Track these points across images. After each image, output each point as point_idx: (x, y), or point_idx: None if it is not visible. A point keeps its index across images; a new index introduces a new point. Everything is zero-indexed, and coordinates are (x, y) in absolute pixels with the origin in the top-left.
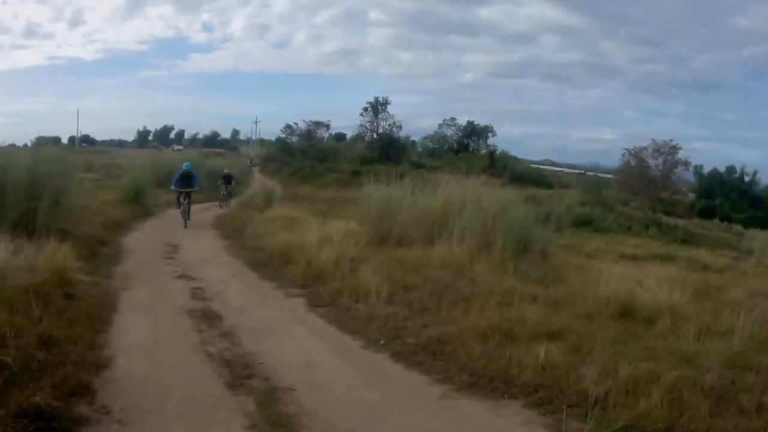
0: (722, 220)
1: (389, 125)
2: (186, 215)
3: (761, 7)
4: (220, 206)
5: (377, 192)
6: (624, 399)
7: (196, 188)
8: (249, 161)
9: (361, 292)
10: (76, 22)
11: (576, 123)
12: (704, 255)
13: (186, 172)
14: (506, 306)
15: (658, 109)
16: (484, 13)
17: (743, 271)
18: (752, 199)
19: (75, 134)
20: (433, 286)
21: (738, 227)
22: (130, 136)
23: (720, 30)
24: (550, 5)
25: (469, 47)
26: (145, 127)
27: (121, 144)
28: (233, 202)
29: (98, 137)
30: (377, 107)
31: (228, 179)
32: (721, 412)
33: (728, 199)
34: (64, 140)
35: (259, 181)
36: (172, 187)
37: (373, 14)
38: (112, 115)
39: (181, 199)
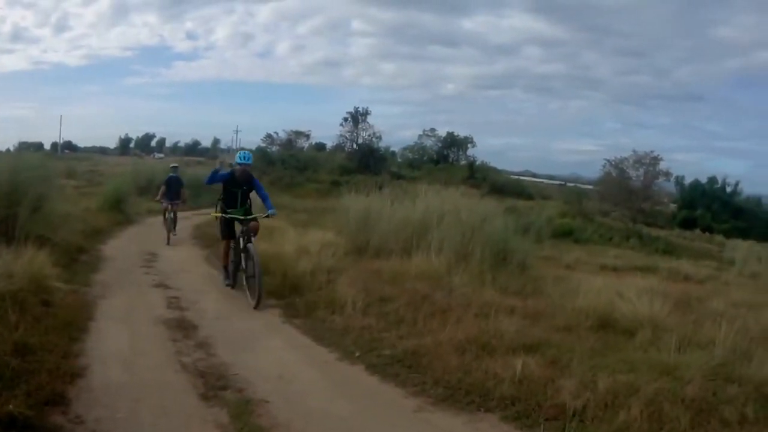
0: (703, 230)
1: (369, 135)
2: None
3: (745, 19)
4: (167, 234)
5: (356, 202)
6: (603, 412)
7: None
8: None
9: (337, 304)
10: (61, 27)
11: (558, 134)
12: (685, 266)
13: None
14: (484, 318)
15: (640, 121)
16: (467, 24)
17: (725, 281)
18: (734, 210)
19: (58, 140)
20: (410, 297)
21: (720, 237)
22: (112, 143)
23: (704, 41)
24: (533, 17)
25: (452, 58)
26: (126, 134)
27: (103, 151)
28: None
29: (81, 144)
30: (357, 117)
31: (175, 185)
32: (703, 424)
33: (710, 210)
34: (47, 146)
35: None
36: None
37: (356, 25)
38: (95, 122)
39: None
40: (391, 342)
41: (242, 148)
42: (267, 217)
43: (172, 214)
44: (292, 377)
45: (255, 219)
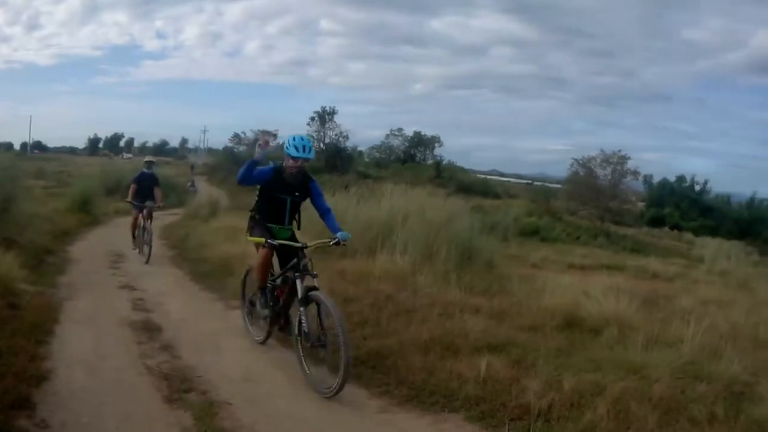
0: (672, 228)
1: (336, 135)
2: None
3: (714, 22)
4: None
5: None
6: (568, 411)
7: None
8: (192, 170)
9: None
10: (32, 26)
11: (526, 134)
12: (654, 263)
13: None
14: (448, 318)
15: (608, 120)
16: (436, 24)
17: (694, 279)
18: (703, 208)
19: (27, 140)
20: (375, 298)
21: (689, 235)
22: (82, 144)
23: (673, 43)
24: (503, 17)
25: (420, 58)
26: (95, 134)
27: (72, 151)
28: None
29: (50, 144)
30: (324, 117)
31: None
32: (671, 423)
33: (678, 208)
34: (17, 146)
35: (205, 191)
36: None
37: (325, 24)
38: (65, 122)
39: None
40: (355, 343)
41: (300, 136)
42: (337, 244)
43: (147, 222)
44: (256, 379)
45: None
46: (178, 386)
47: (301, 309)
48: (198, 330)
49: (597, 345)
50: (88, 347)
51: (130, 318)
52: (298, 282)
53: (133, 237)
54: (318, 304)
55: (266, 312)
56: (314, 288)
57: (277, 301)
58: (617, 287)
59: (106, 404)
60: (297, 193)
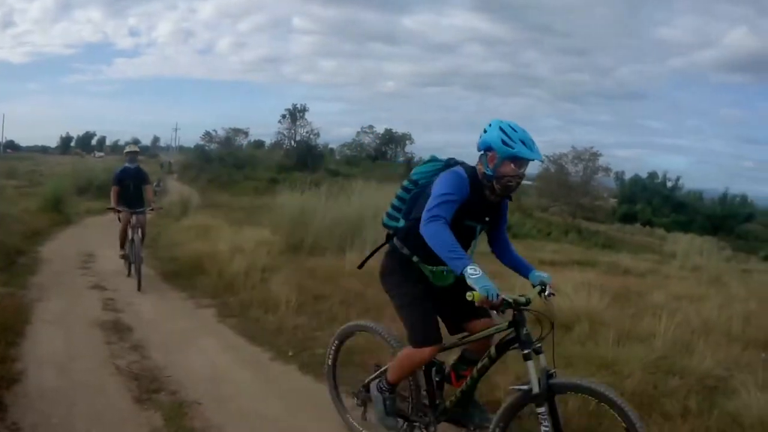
0: (644, 224)
1: (307, 132)
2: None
3: (687, 20)
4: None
5: (291, 200)
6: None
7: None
8: (167, 164)
9: (270, 303)
10: (6, 23)
11: None
12: (625, 259)
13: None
14: None
15: (580, 118)
16: (408, 22)
17: (666, 274)
18: (675, 204)
19: (0, 140)
20: (344, 295)
21: (661, 231)
22: (54, 142)
23: (646, 41)
24: (475, 15)
25: (392, 56)
26: (68, 133)
27: (44, 150)
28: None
29: (23, 143)
30: (295, 114)
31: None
32: (644, 418)
33: (650, 204)
34: None
35: (177, 189)
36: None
37: (298, 22)
38: (37, 121)
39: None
40: (324, 340)
41: (514, 124)
42: (546, 296)
43: (137, 234)
44: (226, 378)
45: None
46: (148, 386)
47: (541, 410)
48: (168, 330)
49: (568, 341)
50: (59, 348)
51: (101, 318)
52: (530, 365)
53: (123, 252)
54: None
55: (426, 418)
56: (550, 373)
57: (439, 388)
58: (588, 283)
59: (76, 405)
60: (488, 218)
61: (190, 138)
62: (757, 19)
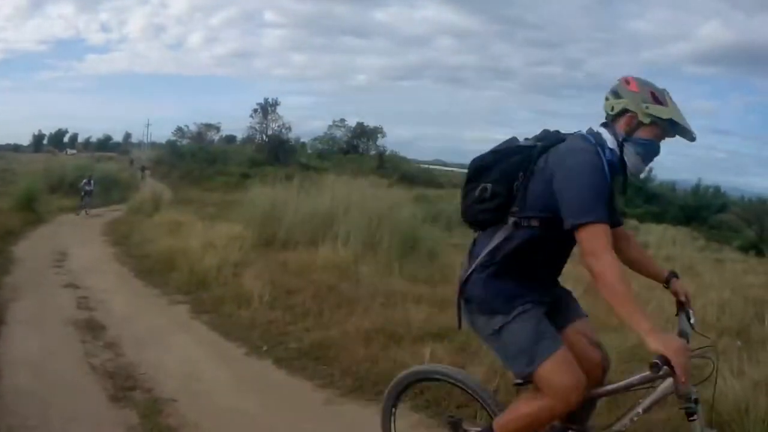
0: None
1: (279, 127)
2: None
3: (660, 13)
4: None
5: (262, 194)
6: (514, 397)
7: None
8: (141, 168)
9: (243, 298)
10: None
11: (469, 123)
12: None
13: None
14: (391, 307)
15: (553, 110)
16: (379, 15)
17: None
18: (648, 195)
19: None
20: (317, 289)
21: (633, 222)
22: (26, 140)
23: (618, 34)
24: (446, 8)
25: (363, 49)
26: (40, 130)
27: (16, 148)
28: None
29: None
30: (267, 108)
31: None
32: (620, 408)
33: (623, 195)
34: None
35: (149, 186)
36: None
37: (269, 16)
38: (9, 119)
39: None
40: (298, 335)
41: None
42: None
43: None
44: (200, 374)
45: None
46: (123, 384)
47: None
48: (141, 326)
49: None
50: (33, 348)
51: (75, 317)
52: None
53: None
54: None
55: None
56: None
57: None
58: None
59: (52, 405)
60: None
61: (162, 134)
62: (730, 12)
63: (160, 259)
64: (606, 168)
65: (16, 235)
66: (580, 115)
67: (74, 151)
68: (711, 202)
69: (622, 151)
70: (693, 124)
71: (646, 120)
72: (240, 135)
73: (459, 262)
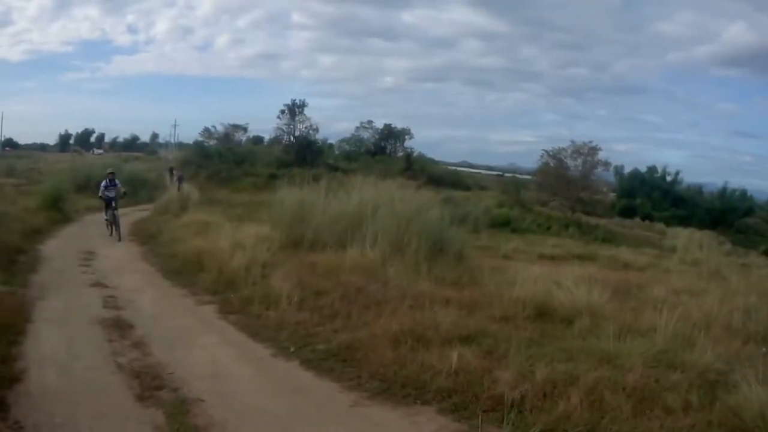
0: (644, 219)
1: (306, 128)
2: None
3: (685, 15)
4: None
5: (290, 196)
6: (542, 402)
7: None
8: (172, 172)
9: (271, 299)
10: (4, 22)
11: (496, 126)
12: (625, 253)
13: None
14: (419, 309)
15: (579, 112)
16: (406, 17)
17: (666, 268)
18: (675, 198)
19: None
20: (345, 290)
21: (660, 225)
22: (53, 140)
23: (644, 36)
24: (473, 11)
25: (390, 51)
26: (66, 130)
27: (43, 148)
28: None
29: (22, 141)
30: (294, 110)
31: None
32: (645, 412)
33: (650, 199)
34: None
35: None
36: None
37: (296, 17)
38: (36, 119)
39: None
40: (326, 336)
41: None
42: None
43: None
44: (228, 375)
45: None
46: (150, 384)
47: None
48: (168, 326)
49: (569, 335)
50: (60, 347)
51: (102, 316)
52: None
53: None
54: None
55: None
56: None
57: None
58: (589, 277)
59: (78, 404)
60: None
61: (189, 134)
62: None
63: (188, 259)
64: None
65: (43, 233)
66: (606, 118)
67: (101, 151)
68: (737, 205)
69: None
70: (717, 126)
71: None
72: (267, 136)
73: (487, 265)
